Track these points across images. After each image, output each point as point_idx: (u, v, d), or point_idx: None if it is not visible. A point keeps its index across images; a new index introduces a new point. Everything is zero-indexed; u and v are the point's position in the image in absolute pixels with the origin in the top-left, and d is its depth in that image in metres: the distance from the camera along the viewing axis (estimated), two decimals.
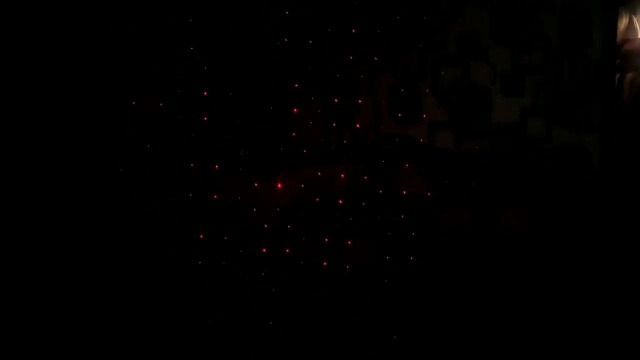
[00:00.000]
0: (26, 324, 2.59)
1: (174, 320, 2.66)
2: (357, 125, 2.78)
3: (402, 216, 2.76)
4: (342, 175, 2.75)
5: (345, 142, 2.78)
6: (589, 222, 2.75)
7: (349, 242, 2.76)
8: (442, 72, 2.78)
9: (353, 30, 2.73)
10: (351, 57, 2.74)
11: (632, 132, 2.90)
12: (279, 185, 2.73)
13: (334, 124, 2.77)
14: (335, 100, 2.75)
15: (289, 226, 2.73)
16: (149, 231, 2.67)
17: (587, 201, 2.75)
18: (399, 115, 2.78)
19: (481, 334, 2.75)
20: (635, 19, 3.50)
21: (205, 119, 2.69)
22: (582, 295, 2.75)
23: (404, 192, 2.77)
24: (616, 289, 2.72)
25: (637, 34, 3.48)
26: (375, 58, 2.75)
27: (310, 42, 2.72)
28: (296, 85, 2.74)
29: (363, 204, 2.76)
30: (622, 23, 3.44)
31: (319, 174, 2.74)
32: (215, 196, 2.71)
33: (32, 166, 2.64)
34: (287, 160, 2.75)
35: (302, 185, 2.74)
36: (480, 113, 2.78)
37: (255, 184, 2.72)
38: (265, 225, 2.73)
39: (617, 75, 3.13)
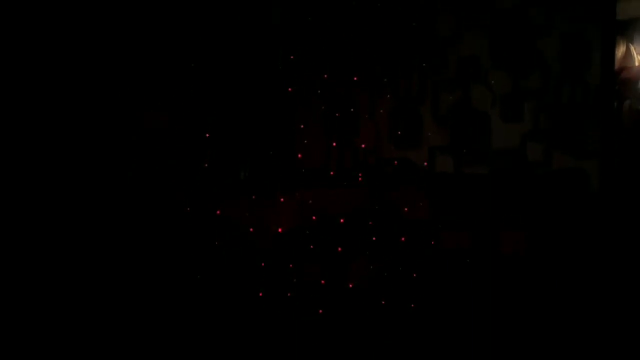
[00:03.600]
0: (26, 324, 2.57)
1: (174, 336, 2.64)
2: (358, 148, 2.79)
3: (403, 238, 2.76)
4: (343, 198, 2.76)
5: (346, 164, 2.78)
6: (589, 245, 2.74)
7: (351, 263, 2.75)
8: (442, 96, 2.80)
9: (354, 55, 2.75)
10: (352, 81, 2.76)
11: (632, 157, 2.91)
12: (280, 207, 2.73)
13: (335, 147, 2.78)
14: (336, 123, 2.77)
15: (289, 247, 2.72)
16: (152, 250, 2.66)
17: (587, 225, 2.75)
18: (399, 138, 2.79)
19: (481, 354, 2.72)
20: (632, 48, 3.55)
21: (206, 141, 2.71)
22: (582, 316, 2.72)
23: (405, 215, 2.76)
24: (616, 310, 2.70)
25: (634, 62, 3.52)
26: (376, 81, 2.77)
27: (312, 66, 2.74)
28: (297, 108, 2.75)
29: (364, 225, 2.76)
30: (620, 51, 3.48)
31: (320, 196, 2.75)
32: (216, 217, 2.71)
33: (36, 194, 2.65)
34: (288, 182, 2.75)
35: (303, 207, 2.74)
36: (480, 137, 2.79)
37: (256, 206, 2.72)
38: (266, 247, 2.72)
39: (616, 102, 3.16)
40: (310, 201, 2.74)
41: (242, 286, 2.68)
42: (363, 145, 2.78)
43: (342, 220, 2.73)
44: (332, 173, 2.77)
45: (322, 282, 2.69)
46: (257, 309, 2.67)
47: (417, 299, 2.73)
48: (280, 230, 2.71)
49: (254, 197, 2.72)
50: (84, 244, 2.62)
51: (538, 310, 2.72)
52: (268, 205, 2.73)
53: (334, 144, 2.77)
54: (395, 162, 2.80)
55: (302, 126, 2.74)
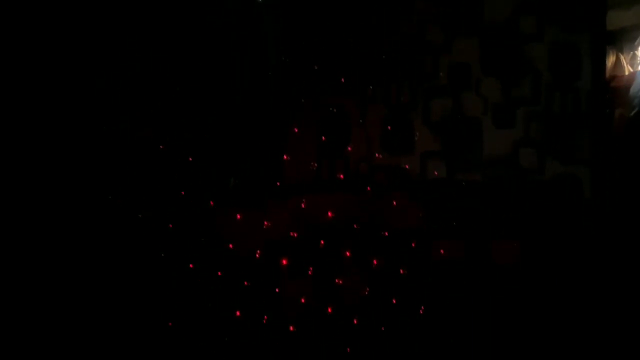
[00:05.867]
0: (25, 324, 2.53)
1: (159, 350, 2.59)
2: (350, 156, 2.77)
3: (396, 246, 2.73)
4: (335, 206, 2.73)
5: (337, 172, 2.76)
6: (584, 252, 2.73)
7: (341, 274, 2.71)
8: (434, 103, 2.79)
9: (345, 62, 2.75)
10: (343, 88, 2.75)
11: (623, 164, 2.91)
12: (269, 216, 2.70)
13: (326, 155, 2.76)
14: (327, 131, 2.75)
15: (278, 257, 2.69)
16: (141, 259, 2.62)
17: (580, 231, 2.73)
18: (391, 145, 2.78)
19: None
20: (622, 57, 3.57)
21: (195, 147, 2.68)
22: (576, 325, 2.70)
23: (397, 223, 2.74)
24: (611, 318, 2.68)
25: (624, 71, 3.54)
26: (367, 89, 2.76)
27: (303, 73, 2.73)
28: (288, 115, 2.74)
29: (356, 234, 2.73)
30: (610, 61, 3.50)
31: (311, 204, 2.72)
32: (204, 226, 2.67)
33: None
34: (278, 190, 2.72)
35: (293, 216, 2.71)
36: (472, 144, 2.78)
37: (246, 214, 2.69)
38: (256, 256, 2.68)
39: (607, 110, 3.17)
40: (301, 210, 2.71)
41: (230, 300, 2.64)
42: (354, 154, 2.76)
43: (334, 231, 2.71)
44: (323, 180, 2.75)
45: (313, 296, 2.66)
46: (247, 323, 2.64)
47: (413, 313, 2.70)
48: (271, 240, 2.68)
49: (242, 205, 2.69)
50: (70, 252, 2.59)
51: (535, 319, 2.69)
52: (258, 214, 2.70)
53: (325, 152, 2.75)
54: (388, 169, 2.77)
55: (293, 134, 2.73)
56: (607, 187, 2.77)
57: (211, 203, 2.66)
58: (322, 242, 2.71)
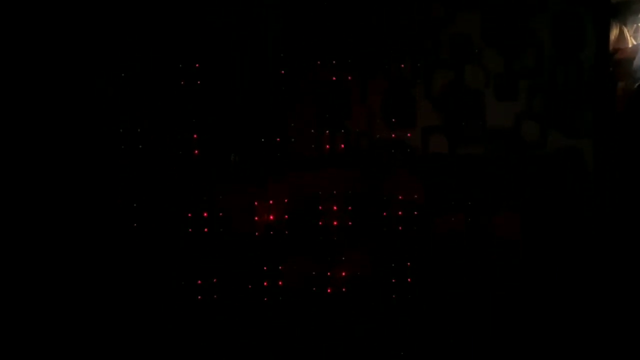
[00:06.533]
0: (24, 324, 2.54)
1: (166, 328, 2.61)
2: (350, 131, 2.75)
3: (397, 222, 2.73)
4: (335, 182, 2.72)
5: (337, 147, 2.75)
6: (585, 226, 2.73)
7: (343, 249, 2.71)
8: (436, 77, 2.77)
9: (346, 36, 2.72)
10: (343, 63, 2.72)
11: (626, 137, 2.90)
12: (271, 191, 2.70)
13: (327, 130, 2.74)
14: (328, 105, 2.73)
15: (281, 232, 2.69)
16: (142, 237, 2.62)
17: (582, 204, 2.73)
18: (392, 120, 2.76)
19: (477, 339, 2.70)
20: (625, 29, 3.54)
21: (195, 126, 2.67)
22: (577, 299, 2.71)
23: (398, 198, 2.73)
24: (612, 291, 2.69)
25: (627, 44, 3.51)
26: (368, 63, 2.74)
27: (303, 48, 2.71)
28: (289, 90, 2.72)
29: (357, 210, 2.72)
30: (613, 33, 3.47)
31: (312, 179, 2.71)
32: (206, 203, 2.67)
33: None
34: (279, 166, 2.71)
35: (295, 192, 2.70)
36: (474, 117, 2.76)
37: (247, 190, 2.68)
38: (257, 233, 2.68)
39: (610, 83, 3.15)
40: (302, 185, 2.70)
41: (233, 277, 2.65)
42: (355, 128, 2.75)
43: (335, 207, 2.70)
44: (324, 156, 2.74)
45: (314, 272, 2.67)
46: (249, 301, 2.64)
47: (413, 285, 2.71)
48: (272, 217, 2.68)
49: (243, 181, 2.68)
50: (74, 234, 2.59)
51: (534, 293, 2.70)
52: (259, 191, 2.69)
53: (326, 127, 2.74)
54: (389, 144, 2.76)
55: (293, 110, 2.71)
56: (610, 160, 2.75)
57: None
58: (322, 218, 2.70)
